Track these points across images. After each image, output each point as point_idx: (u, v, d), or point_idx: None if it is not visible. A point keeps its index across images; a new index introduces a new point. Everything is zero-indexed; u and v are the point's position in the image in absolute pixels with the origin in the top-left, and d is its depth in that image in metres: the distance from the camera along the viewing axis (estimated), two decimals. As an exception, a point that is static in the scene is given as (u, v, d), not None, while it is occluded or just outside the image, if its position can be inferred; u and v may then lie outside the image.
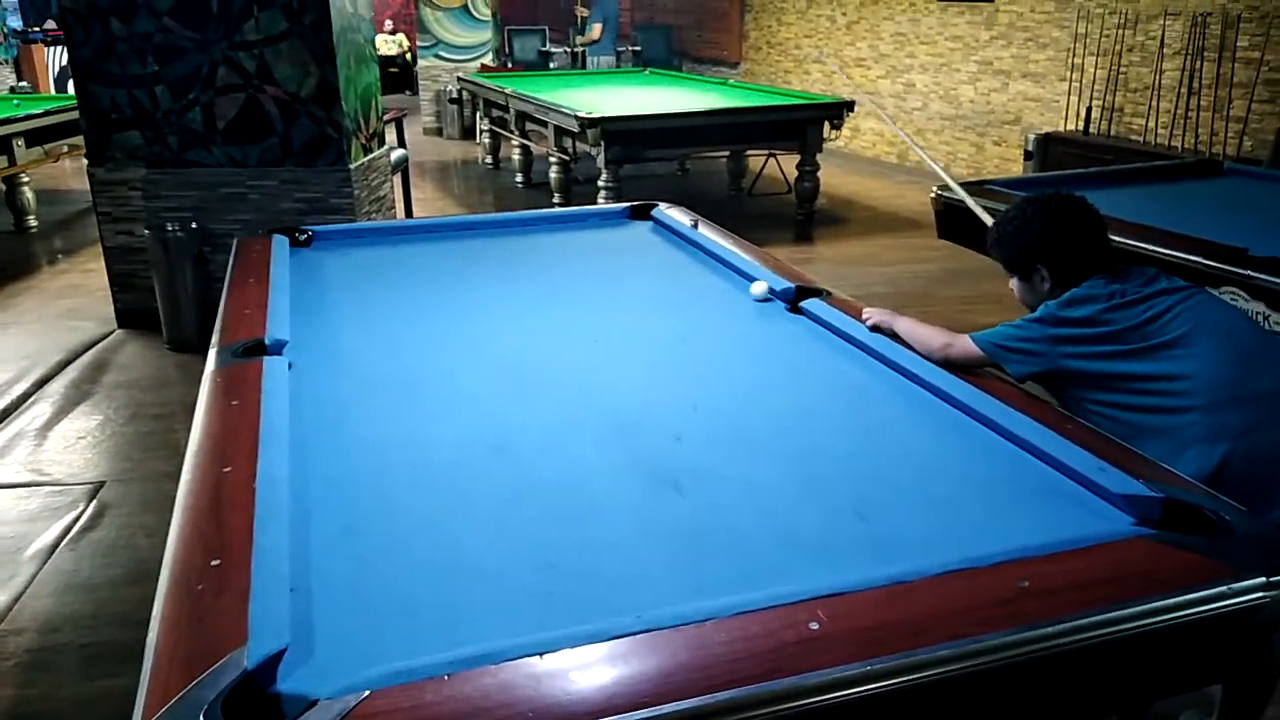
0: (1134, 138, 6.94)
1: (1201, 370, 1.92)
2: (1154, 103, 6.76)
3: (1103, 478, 1.55)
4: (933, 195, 3.92)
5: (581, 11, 10.62)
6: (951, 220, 3.85)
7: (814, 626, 1.20)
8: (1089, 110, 7.14)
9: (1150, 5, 6.84)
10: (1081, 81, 7.29)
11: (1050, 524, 1.47)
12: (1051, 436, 1.69)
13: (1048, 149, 7.24)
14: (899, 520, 1.53)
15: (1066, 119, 7.45)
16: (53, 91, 11.38)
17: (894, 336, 2.22)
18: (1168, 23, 6.70)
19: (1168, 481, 1.53)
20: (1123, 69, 7.03)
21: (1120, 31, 6.99)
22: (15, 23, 12.38)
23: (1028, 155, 7.42)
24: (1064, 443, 1.67)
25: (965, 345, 2.09)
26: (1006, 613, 1.22)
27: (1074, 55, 7.34)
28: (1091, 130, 7.13)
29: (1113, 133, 7.07)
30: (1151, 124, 6.78)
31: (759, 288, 2.60)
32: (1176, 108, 6.60)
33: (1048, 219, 2.18)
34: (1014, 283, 2.31)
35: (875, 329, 2.26)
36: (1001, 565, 1.32)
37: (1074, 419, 1.80)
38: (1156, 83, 6.74)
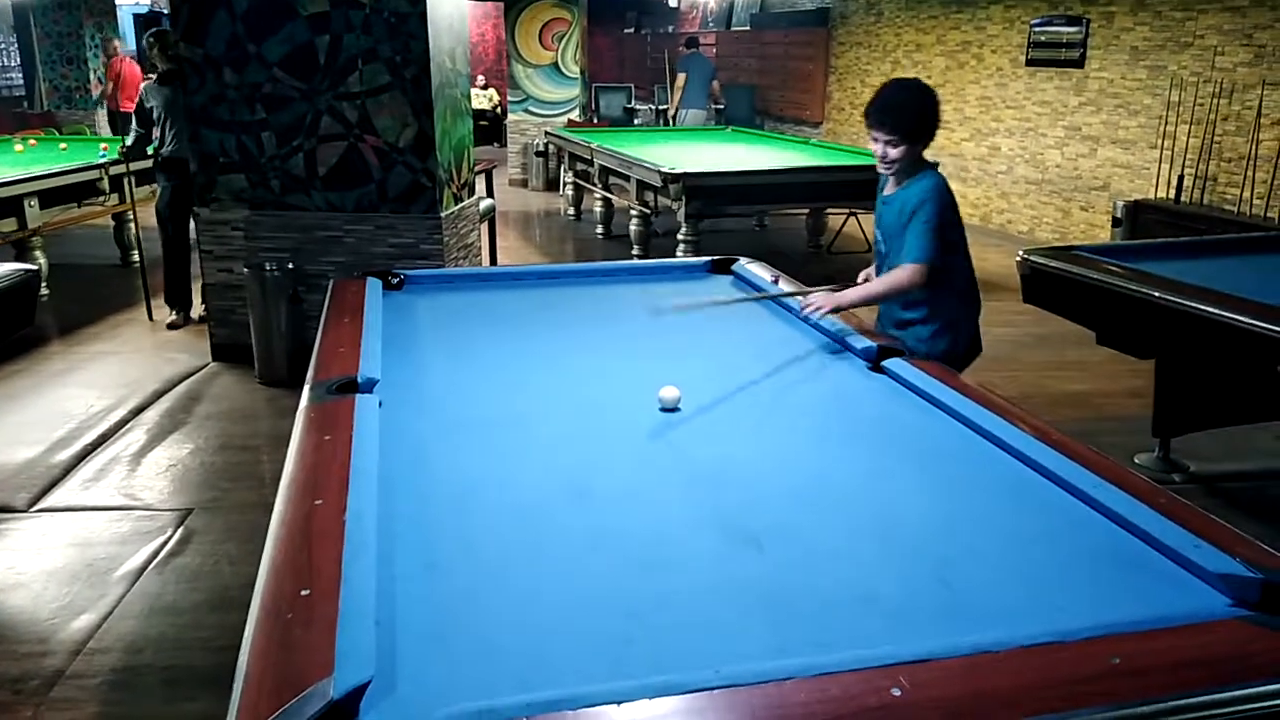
0: (1228, 208, 6.77)
1: None
2: (1249, 173, 6.60)
3: (1198, 555, 1.50)
4: (1019, 259, 3.87)
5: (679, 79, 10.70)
6: (1038, 285, 3.80)
7: (896, 693, 1.18)
8: (1180, 179, 7.00)
9: (1248, 75, 6.71)
10: (1173, 149, 7.16)
11: (1142, 600, 1.43)
12: (1143, 510, 1.64)
13: (1137, 216, 7.11)
14: (982, 587, 1.50)
15: (1157, 187, 7.30)
16: (162, 134, 11.92)
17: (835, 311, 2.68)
18: (1266, 92, 6.56)
19: (1266, 563, 1.48)
20: (1217, 138, 6.89)
21: (1215, 100, 6.86)
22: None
23: (1116, 222, 7.30)
24: (1156, 516, 1.62)
25: (921, 273, 2.67)
26: (1097, 690, 1.19)
27: (1166, 123, 7.22)
28: (1183, 199, 6.99)
29: (1205, 202, 6.91)
30: (1247, 194, 6.61)
31: (669, 393, 2.24)
32: (1274, 178, 6.43)
33: (930, 97, 2.72)
34: (898, 150, 2.73)
35: (822, 312, 2.68)
36: (1091, 640, 1.29)
37: (1166, 492, 1.75)
38: (1253, 153, 6.58)
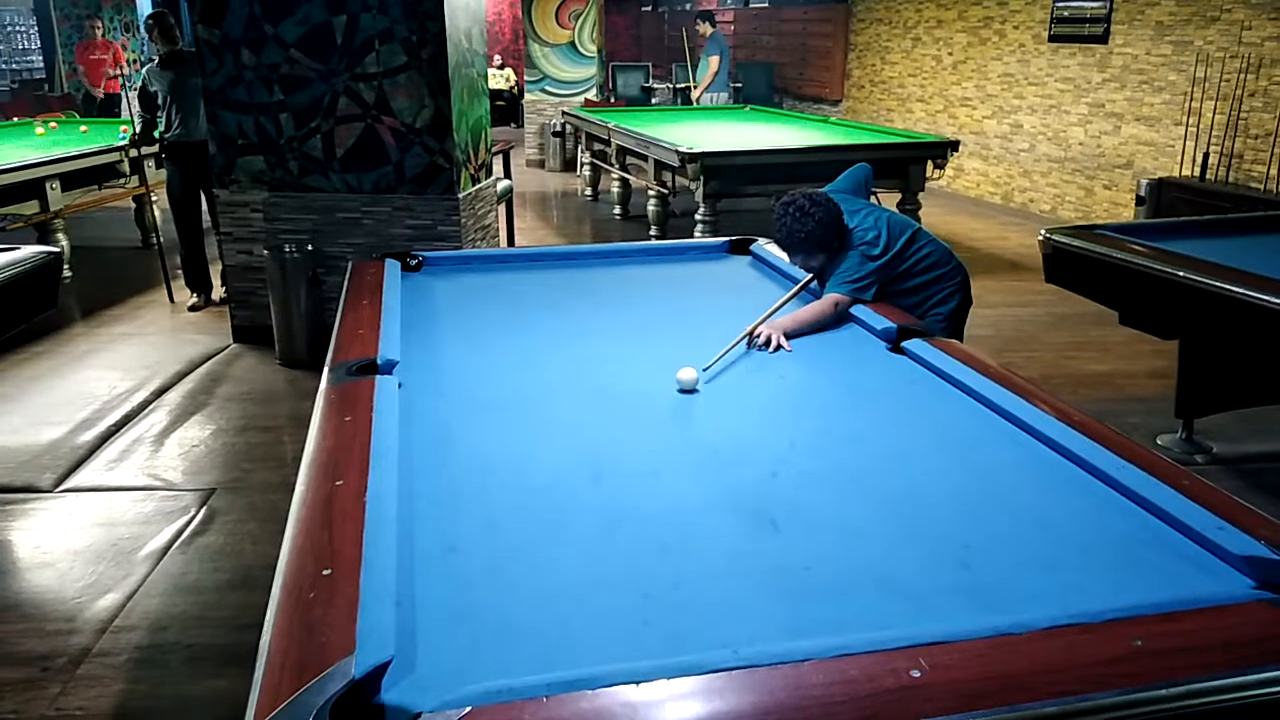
0: (1253, 185, 6.68)
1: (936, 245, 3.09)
2: (1277, 150, 6.50)
3: (1221, 537, 1.49)
4: (1041, 238, 3.83)
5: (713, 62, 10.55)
6: (1061, 265, 3.76)
7: (915, 674, 1.18)
8: (1206, 156, 6.91)
9: (1276, 50, 6.59)
10: (1199, 126, 7.06)
11: (1164, 582, 1.42)
12: (1166, 491, 1.63)
13: (1161, 194, 7.02)
14: (1003, 569, 1.49)
15: (1181, 164, 7.21)
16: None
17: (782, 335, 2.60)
18: (1295, 67, 6.45)
19: (1291, 545, 1.46)
20: (1243, 115, 6.78)
21: (1242, 76, 6.75)
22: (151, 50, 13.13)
23: (1139, 200, 7.21)
24: (1179, 498, 1.61)
25: (835, 302, 2.77)
26: (1118, 672, 1.18)
27: (1191, 99, 7.11)
28: (1208, 177, 6.89)
29: (1231, 180, 6.81)
30: (1274, 172, 6.51)
31: (687, 374, 2.24)
32: (1302, 155, 6.33)
33: (826, 210, 2.86)
34: (818, 259, 2.91)
35: (777, 345, 2.56)
36: (1113, 623, 1.28)
37: (1190, 473, 1.74)
38: (1281, 129, 6.49)
